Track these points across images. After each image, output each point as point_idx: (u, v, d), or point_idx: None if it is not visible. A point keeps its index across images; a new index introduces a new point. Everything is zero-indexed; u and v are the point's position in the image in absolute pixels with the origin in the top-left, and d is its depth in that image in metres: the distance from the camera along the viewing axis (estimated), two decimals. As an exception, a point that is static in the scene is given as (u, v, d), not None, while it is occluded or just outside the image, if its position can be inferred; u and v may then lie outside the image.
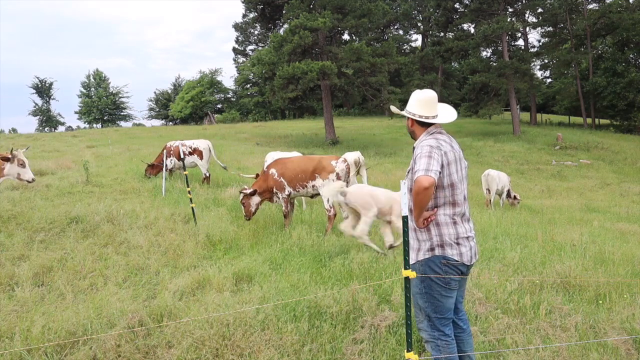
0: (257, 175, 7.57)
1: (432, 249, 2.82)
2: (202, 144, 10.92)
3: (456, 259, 2.81)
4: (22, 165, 6.60)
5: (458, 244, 2.82)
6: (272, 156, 10.50)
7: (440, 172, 2.73)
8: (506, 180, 11.78)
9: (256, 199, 7.11)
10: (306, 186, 6.93)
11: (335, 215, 6.92)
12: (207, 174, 10.95)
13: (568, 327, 3.92)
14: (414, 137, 3.06)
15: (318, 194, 7.03)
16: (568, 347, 3.57)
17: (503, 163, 22.79)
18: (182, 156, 8.21)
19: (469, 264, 2.88)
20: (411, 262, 2.89)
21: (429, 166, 2.67)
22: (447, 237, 2.80)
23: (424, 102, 2.95)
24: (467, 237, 2.87)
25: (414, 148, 2.98)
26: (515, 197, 12.02)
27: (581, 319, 4.04)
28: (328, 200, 6.76)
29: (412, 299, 2.96)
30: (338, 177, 6.76)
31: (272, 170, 7.10)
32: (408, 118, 3.03)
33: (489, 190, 11.56)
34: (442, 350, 2.85)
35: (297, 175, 6.90)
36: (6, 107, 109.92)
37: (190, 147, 10.76)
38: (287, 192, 7.02)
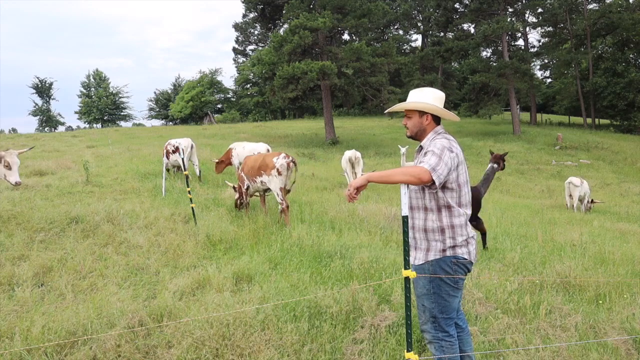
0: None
1: (443, 250, 2.80)
2: (183, 142, 11.01)
3: (466, 257, 2.81)
4: (8, 167, 6.54)
5: (467, 243, 2.83)
6: (236, 146, 11.56)
7: (447, 177, 2.66)
8: (587, 188, 12.74)
9: (236, 195, 8.03)
10: (255, 181, 7.48)
11: (288, 207, 7.26)
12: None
13: (568, 327, 3.92)
14: (422, 135, 2.93)
15: (269, 189, 7.49)
16: (568, 347, 3.57)
17: (503, 163, 22.78)
18: (178, 154, 8.33)
19: (474, 261, 2.90)
20: (418, 262, 2.86)
21: (436, 167, 2.59)
22: (459, 238, 2.79)
23: (442, 100, 2.91)
24: (472, 236, 2.89)
25: (420, 148, 2.92)
26: (592, 201, 12.92)
27: (581, 319, 4.04)
28: (278, 195, 7.19)
29: (416, 300, 2.95)
30: (278, 173, 7.13)
31: (240, 169, 7.95)
32: (422, 115, 2.89)
33: (571, 196, 12.55)
34: (446, 350, 2.84)
35: (249, 171, 7.60)
36: (6, 107, 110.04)
37: (174, 146, 10.84)
38: (246, 186, 7.72)
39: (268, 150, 11.15)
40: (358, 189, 2.70)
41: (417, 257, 2.88)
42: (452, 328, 2.90)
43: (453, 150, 2.73)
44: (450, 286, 2.82)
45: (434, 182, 2.59)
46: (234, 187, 8.04)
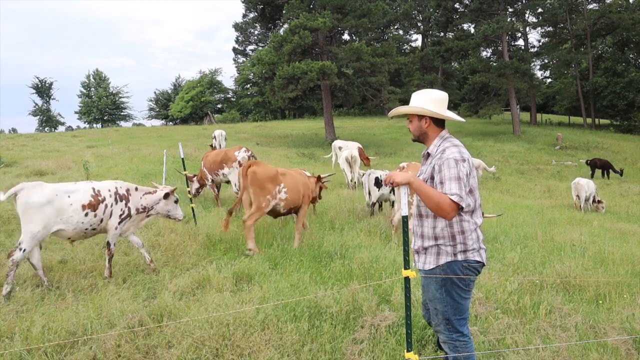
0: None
1: (454, 254, 2.77)
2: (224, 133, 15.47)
3: (478, 259, 2.80)
4: None
5: (480, 247, 2.82)
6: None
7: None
8: (593, 188, 12.94)
9: (195, 184, 8.88)
10: (218, 174, 8.39)
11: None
12: None
13: (568, 327, 3.92)
14: (425, 139, 2.89)
15: (229, 181, 8.37)
16: (568, 347, 3.57)
17: (503, 163, 22.78)
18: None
19: (486, 263, 2.89)
20: (429, 267, 2.83)
21: (461, 192, 2.57)
22: (470, 243, 2.77)
23: (442, 101, 2.83)
24: (482, 239, 2.89)
25: (427, 154, 2.87)
26: (599, 202, 13.04)
27: (581, 319, 4.04)
28: (235, 185, 8.04)
29: (428, 303, 2.94)
30: (240, 165, 7.84)
31: (202, 163, 8.79)
32: (421, 118, 2.85)
33: (578, 197, 12.73)
34: (461, 349, 2.84)
35: (211, 166, 8.40)
36: (6, 107, 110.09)
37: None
38: (210, 179, 8.58)
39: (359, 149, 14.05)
40: (398, 185, 2.65)
41: (427, 262, 2.85)
42: (465, 327, 2.88)
43: (465, 158, 2.69)
44: (462, 289, 2.80)
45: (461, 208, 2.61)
46: (191, 177, 8.67)
